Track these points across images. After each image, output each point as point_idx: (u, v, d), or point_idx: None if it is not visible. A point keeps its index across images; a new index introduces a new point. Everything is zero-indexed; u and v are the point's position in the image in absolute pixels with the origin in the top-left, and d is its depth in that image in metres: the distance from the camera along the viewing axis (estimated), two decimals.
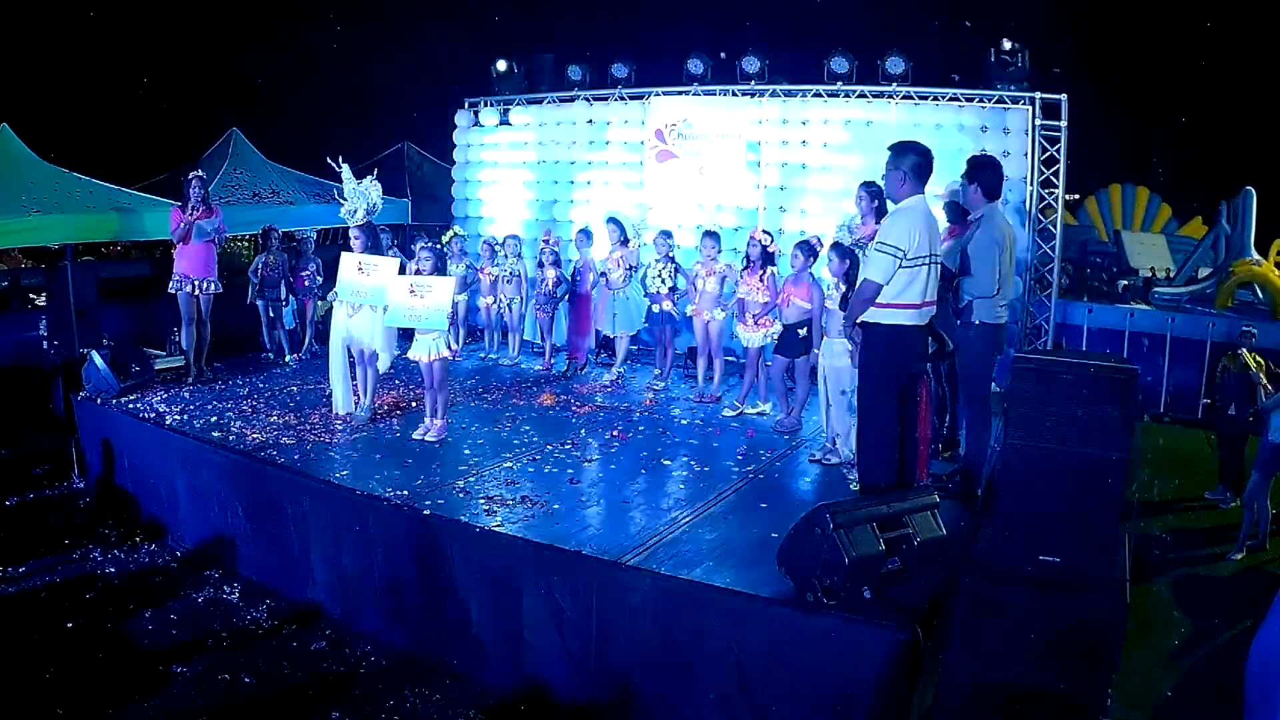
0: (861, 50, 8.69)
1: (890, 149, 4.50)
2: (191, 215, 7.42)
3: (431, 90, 12.29)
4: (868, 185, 5.87)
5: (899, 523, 4.03)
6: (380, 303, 6.37)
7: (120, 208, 9.95)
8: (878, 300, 4.37)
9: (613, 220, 8.13)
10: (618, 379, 8.17)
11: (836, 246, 5.81)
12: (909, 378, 4.55)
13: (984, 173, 5.08)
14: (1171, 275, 11.87)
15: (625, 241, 8.02)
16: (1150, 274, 12.17)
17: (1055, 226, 8.18)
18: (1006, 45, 8.13)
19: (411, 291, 6.14)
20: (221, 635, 5.05)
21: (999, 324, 5.12)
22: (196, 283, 7.49)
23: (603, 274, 8.15)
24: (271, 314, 8.75)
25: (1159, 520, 6.92)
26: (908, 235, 4.28)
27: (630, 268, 8.04)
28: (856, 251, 5.72)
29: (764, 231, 7.07)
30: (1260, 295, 10.23)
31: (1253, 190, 10.67)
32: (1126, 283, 11.75)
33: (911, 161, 4.39)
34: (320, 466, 5.63)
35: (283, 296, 8.73)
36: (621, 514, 4.97)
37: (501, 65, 10.80)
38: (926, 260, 4.36)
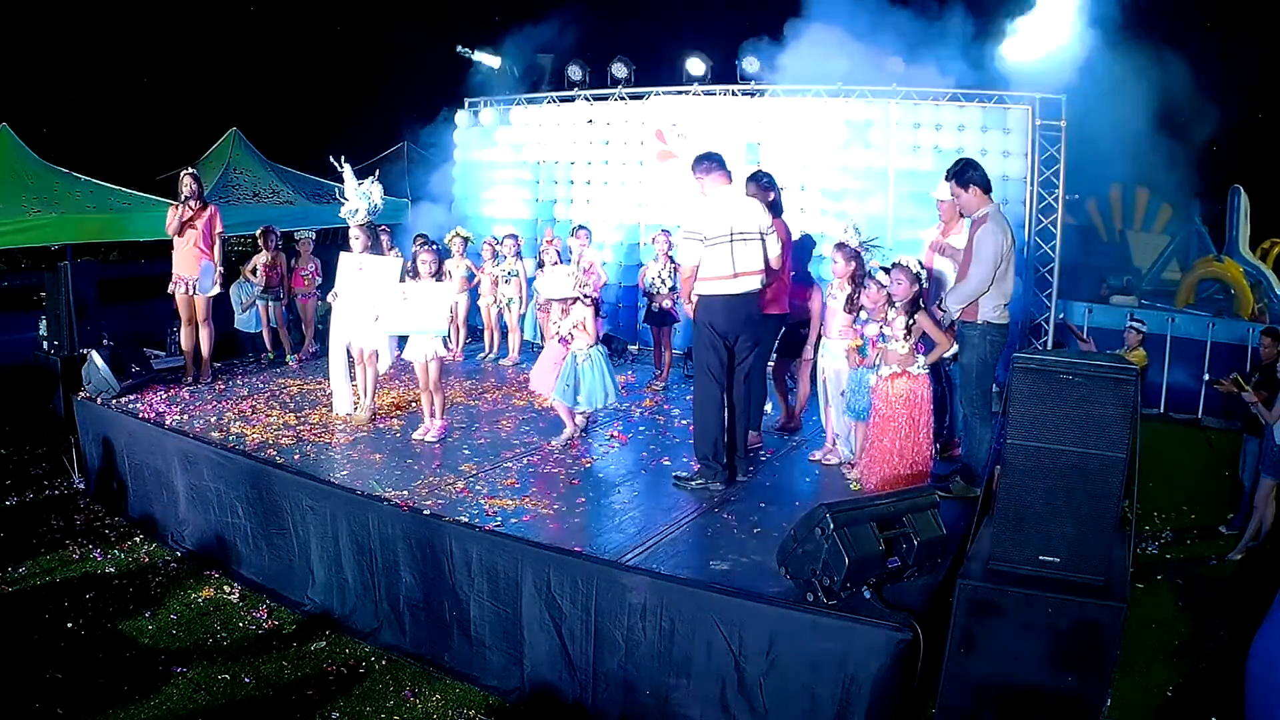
0: (861, 50, 8.66)
1: (692, 163, 5.41)
2: (184, 213, 7.29)
3: (432, 90, 12.31)
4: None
5: (899, 522, 4.04)
6: (380, 303, 6.36)
7: (119, 208, 9.96)
8: (700, 276, 5.20)
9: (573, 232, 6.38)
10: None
11: (841, 247, 5.76)
12: (735, 339, 5.26)
13: (975, 172, 5.10)
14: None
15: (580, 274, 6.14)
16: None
17: (1055, 226, 8.17)
18: (1007, 45, 8.14)
19: (406, 298, 6.15)
20: (221, 635, 5.06)
21: (1002, 323, 5.13)
22: (190, 283, 7.38)
23: (560, 338, 6.10)
24: (271, 314, 8.74)
25: (1159, 520, 6.92)
26: (704, 221, 5.17)
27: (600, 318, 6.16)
28: (862, 253, 5.72)
29: None
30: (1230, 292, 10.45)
31: (1240, 188, 10.72)
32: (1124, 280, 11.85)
33: (708, 165, 5.33)
34: (320, 466, 5.63)
35: (282, 297, 8.73)
36: (621, 514, 4.98)
37: (498, 63, 10.81)
38: (729, 238, 5.15)
